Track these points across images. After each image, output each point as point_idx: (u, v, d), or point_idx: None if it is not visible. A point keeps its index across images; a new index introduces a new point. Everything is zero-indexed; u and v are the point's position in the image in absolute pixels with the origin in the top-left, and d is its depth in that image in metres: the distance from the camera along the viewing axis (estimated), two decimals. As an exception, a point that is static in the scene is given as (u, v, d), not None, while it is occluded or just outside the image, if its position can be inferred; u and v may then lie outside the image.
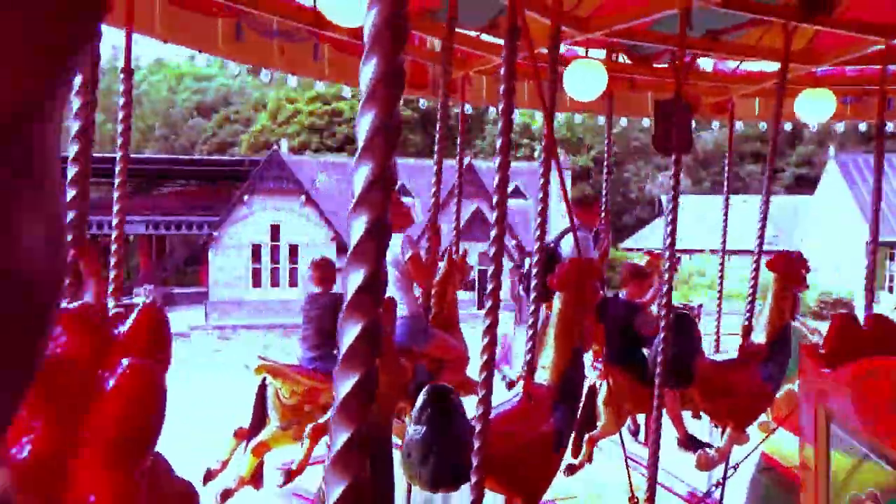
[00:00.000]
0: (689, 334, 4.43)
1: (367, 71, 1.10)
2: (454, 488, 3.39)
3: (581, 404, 4.12)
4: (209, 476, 4.45)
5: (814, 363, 3.12)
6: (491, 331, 2.87)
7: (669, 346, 3.83)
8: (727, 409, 4.54)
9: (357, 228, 1.06)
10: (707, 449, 4.64)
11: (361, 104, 1.09)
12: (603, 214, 5.81)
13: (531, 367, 3.47)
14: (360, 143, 1.09)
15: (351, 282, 1.06)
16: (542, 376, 3.35)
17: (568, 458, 4.86)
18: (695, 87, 5.89)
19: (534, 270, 3.73)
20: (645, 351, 4.85)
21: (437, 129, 4.64)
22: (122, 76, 3.68)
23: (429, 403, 3.03)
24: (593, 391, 5.07)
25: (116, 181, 3.57)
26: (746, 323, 4.69)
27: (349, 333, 1.09)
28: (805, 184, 39.80)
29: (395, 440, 3.99)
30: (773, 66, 6.13)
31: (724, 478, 4.89)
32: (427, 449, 2.95)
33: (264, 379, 4.44)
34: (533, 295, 3.68)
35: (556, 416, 3.28)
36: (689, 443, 4.89)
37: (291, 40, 4.95)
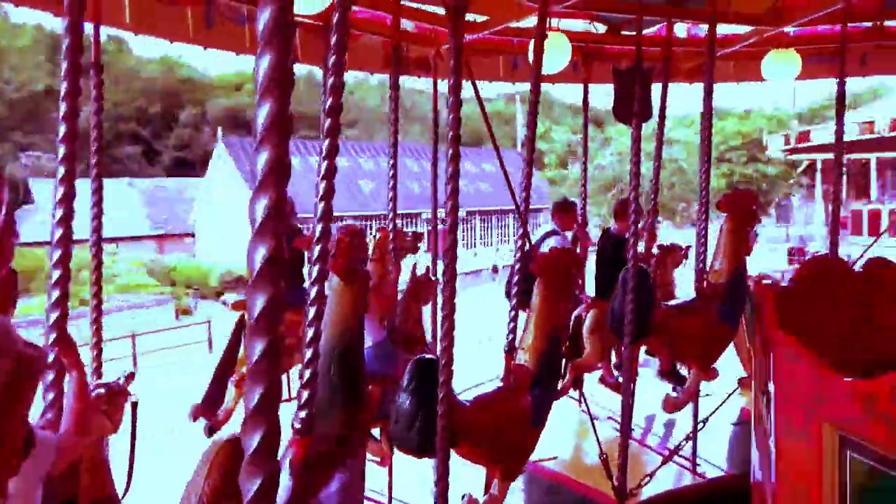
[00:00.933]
0: (644, 287, 4.54)
1: (261, 113, 1.24)
2: None
3: (559, 382, 4.27)
4: (197, 412, 4.64)
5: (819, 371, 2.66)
6: (448, 301, 3.05)
7: (633, 299, 3.96)
8: (688, 352, 4.66)
9: (256, 257, 1.21)
10: (673, 391, 4.80)
11: (256, 145, 1.24)
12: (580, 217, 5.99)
13: (512, 346, 3.62)
14: (258, 180, 1.24)
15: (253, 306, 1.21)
16: (522, 358, 3.51)
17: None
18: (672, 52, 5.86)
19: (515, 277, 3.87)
20: None
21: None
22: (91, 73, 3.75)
23: (414, 374, 3.24)
24: (579, 320, 5.24)
25: (92, 186, 3.65)
26: (701, 266, 4.74)
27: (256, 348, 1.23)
28: (185, 165, 39.54)
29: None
30: (745, 29, 6.19)
31: (695, 431, 5.10)
32: (413, 416, 3.18)
33: (242, 315, 4.58)
34: (513, 301, 3.78)
35: (534, 394, 3.45)
36: (671, 375, 5.08)
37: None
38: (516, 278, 3.87)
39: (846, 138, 4.96)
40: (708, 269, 4.68)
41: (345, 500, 2.63)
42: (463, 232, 36.74)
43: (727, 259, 4.51)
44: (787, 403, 3.09)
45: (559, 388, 5.04)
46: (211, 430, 4.53)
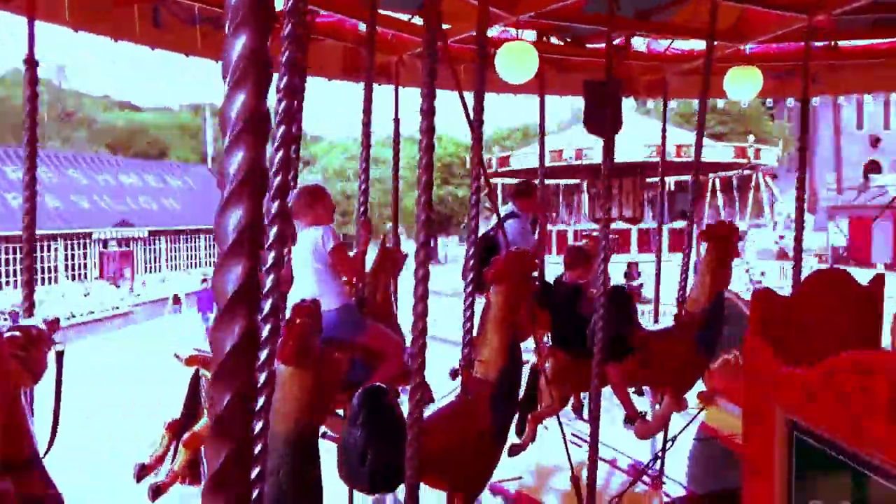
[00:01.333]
0: (624, 307, 4.45)
1: (233, 107, 1.05)
2: (391, 489, 3.35)
3: (519, 396, 4.11)
4: (143, 472, 4.31)
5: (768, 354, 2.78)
6: (420, 319, 2.78)
7: (608, 321, 3.84)
8: (664, 378, 4.59)
9: (225, 284, 1.01)
10: (645, 417, 4.72)
11: (227, 146, 1.04)
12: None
13: (468, 360, 3.39)
14: (229, 189, 1.03)
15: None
16: (479, 370, 3.29)
17: (511, 438, 4.89)
18: (628, 67, 5.87)
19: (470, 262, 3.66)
20: None
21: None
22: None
23: (362, 405, 2.97)
24: (536, 371, 5.11)
25: (25, 179, 3.42)
26: (681, 293, 4.73)
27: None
28: None
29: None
30: (703, 45, 6.21)
31: (664, 450, 5.00)
32: (363, 451, 2.90)
33: (197, 370, 4.30)
34: (470, 286, 3.56)
35: (494, 411, 3.23)
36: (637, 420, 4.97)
37: (217, 27, 4.77)
38: (472, 262, 3.64)
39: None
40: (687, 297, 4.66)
41: None
42: (147, 254, 34.48)
43: (705, 288, 4.48)
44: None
45: (519, 443, 4.90)
46: (156, 492, 4.18)
